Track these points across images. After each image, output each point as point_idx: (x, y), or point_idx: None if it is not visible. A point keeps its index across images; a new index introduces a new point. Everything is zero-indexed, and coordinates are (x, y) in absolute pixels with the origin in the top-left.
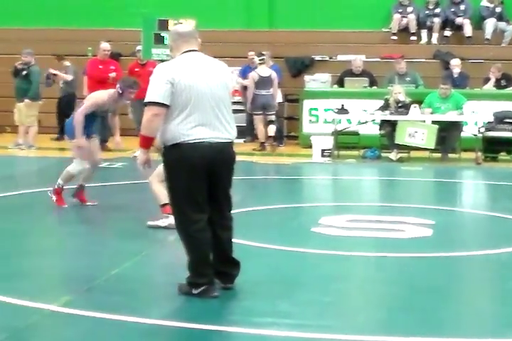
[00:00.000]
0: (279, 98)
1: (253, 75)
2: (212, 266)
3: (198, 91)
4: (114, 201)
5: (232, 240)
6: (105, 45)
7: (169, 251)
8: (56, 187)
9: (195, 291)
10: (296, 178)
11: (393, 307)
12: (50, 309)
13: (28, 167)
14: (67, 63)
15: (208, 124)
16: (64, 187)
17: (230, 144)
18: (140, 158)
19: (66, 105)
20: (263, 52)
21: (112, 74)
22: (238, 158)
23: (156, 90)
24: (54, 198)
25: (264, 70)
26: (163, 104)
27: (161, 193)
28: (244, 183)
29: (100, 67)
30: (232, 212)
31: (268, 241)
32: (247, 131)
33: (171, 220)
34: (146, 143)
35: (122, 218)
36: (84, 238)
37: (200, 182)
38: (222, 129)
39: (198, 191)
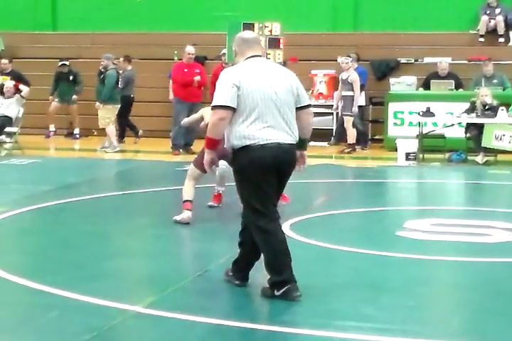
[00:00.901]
0: (361, 101)
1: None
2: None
3: (264, 95)
4: (199, 203)
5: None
6: (190, 49)
7: None
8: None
9: (277, 293)
10: (381, 181)
11: (479, 313)
12: (135, 310)
13: (111, 170)
14: (128, 67)
15: (275, 126)
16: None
17: (294, 146)
18: (206, 158)
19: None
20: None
21: (197, 78)
22: (323, 161)
23: (222, 94)
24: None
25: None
26: (229, 106)
27: (186, 190)
28: (328, 186)
29: (185, 70)
30: (314, 215)
31: (352, 244)
32: (336, 134)
33: (183, 216)
34: (212, 145)
35: (207, 220)
36: (170, 240)
37: (273, 180)
38: (288, 131)
39: (270, 189)
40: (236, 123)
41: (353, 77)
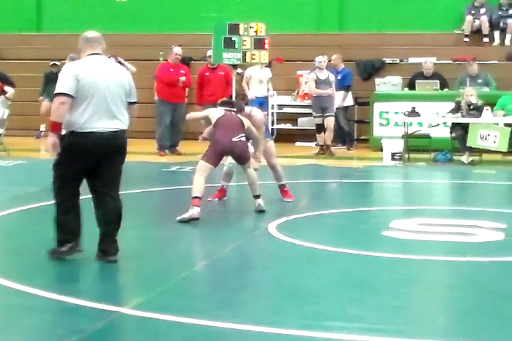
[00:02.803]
0: (347, 101)
1: (312, 77)
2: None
3: (97, 88)
4: (184, 205)
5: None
6: (177, 50)
7: (240, 254)
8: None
9: (63, 249)
10: (367, 182)
11: (465, 312)
12: (121, 311)
13: None
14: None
15: (104, 116)
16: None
17: (120, 132)
18: (49, 140)
19: None
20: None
21: (182, 78)
22: (308, 161)
23: (63, 83)
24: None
25: (323, 73)
26: (68, 94)
27: (196, 186)
28: (314, 187)
29: (171, 70)
30: (301, 215)
31: (339, 244)
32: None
33: (193, 211)
34: (55, 127)
35: (192, 222)
36: (156, 241)
37: (85, 164)
38: (116, 120)
39: (80, 172)
40: (72, 111)
41: (332, 76)
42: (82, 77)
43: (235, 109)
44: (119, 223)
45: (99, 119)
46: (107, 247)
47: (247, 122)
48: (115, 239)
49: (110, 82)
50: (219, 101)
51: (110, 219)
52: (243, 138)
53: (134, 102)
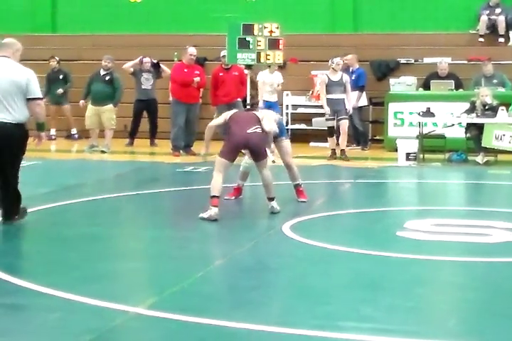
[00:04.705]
0: (362, 101)
1: (323, 79)
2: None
3: None
4: (198, 205)
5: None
6: (192, 50)
7: (253, 254)
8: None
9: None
10: (381, 182)
11: (479, 313)
12: (135, 311)
13: (111, 171)
14: None
15: None
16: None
17: (10, 124)
18: None
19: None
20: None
21: (197, 79)
22: (323, 162)
23: None
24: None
25: (336, 74)
26: None
27: (215, 185)
28: (328, 187)
29: (185, 70)
30: (315, 215)
31: (353, 245)
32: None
33: (211, 213)
34: None
35: (206, 222)
36: (170, 241)
37: None
38: (6, 113)
39: None
40: None
41: (346, 77)
42: None
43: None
44: (14, 195)
45: None
46: (8, 214)
47: (262, 116)
48: (14, 207)
49: (3, 81)
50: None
51: (8, 192)
52: (259, 130)
53: (34, 98)
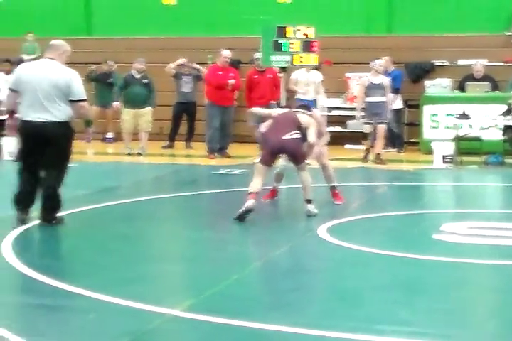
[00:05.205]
0: (397, 104)
1: (363, 82)
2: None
3: (31, 85)
4: (235, 207)
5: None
6: (226, 53)
7: (290, 256)
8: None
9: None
10: (418, 184)
11: None
12: (172, 313)
13: (148, 174)
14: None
15: (37, 108)
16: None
17: (51, 123)
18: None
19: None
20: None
21: (231, 81)
22: (358, 164)
23: (11, 80)
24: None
25: (378, 77)
26: (12, 89)
27: (252, 185)
28: (364, 189)
29: (220, 73)
30: (351, 218)
31: (389, 247)
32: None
33: (248, 203)
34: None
35: (243, 224)
36: (207, 243)
37: (32, 145)
38: (47, 113)
39: (29, 152)
40: (20, 103)
41: (387, 81)
42: (19, 75)
43: (309, 112)
44: (51, 196)
45: (33, 111)
46: (45, 215)
47: (308, 120)
48: (49, 208)
49: (43, 82)
50: (297, 106)
51: (45, 191)
52: (295, 136)
53: (77, 100)
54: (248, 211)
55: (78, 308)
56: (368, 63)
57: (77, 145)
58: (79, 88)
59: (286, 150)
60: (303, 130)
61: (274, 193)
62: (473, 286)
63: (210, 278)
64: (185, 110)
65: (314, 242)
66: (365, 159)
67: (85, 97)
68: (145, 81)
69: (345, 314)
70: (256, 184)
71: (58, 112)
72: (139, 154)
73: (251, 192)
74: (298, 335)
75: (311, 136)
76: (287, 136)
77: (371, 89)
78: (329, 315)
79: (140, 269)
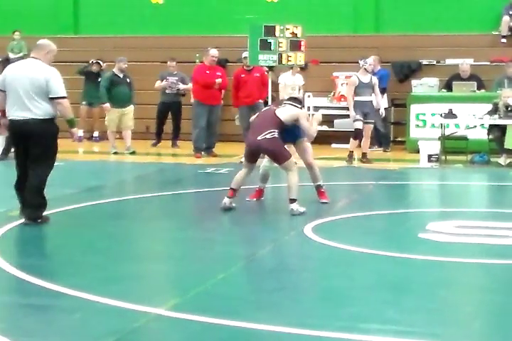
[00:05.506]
0: (383, 103)
1: (353, 81)
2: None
3: (14, 85)
4: (221, 206)
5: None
6: (214, 52)
7: (276, 255)
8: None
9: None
10: (403, 183)
11: (502, 315)
12: (157, 312)
13: (133, 172)
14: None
15: (20, 107)
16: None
17: (32, 121)
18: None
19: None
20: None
21: (218, 80)
22: (344, 163)
23: None
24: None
25: (367, 76)
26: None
27: (234, 179)
28: (350, 188)
29: (207, 72)
30: (337, 217)
31: (375, 246)
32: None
33: (223, 201)
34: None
35: (228, 223)
36: (192, 242)
37: (19, 142)
38: (29, 111)
39: (17, 150)
40: (6, 103)
41: (375, 79)
42: (5, 76)
43: (299, 105)
44: (35, 194)
45: (15, 110)
46: (30, 214)
47: (296, 111)
48: (33, 206)
49: (23, 80)
50: (286, 98)
51: (28, 189)
52: (269, 136)
53: (56, 97)
54: (225, 209)
55: (64, 308)
56: (356, 62)
57: (64, 143)
58: (57, 85)
59: (262, 150)
60: (283, 125)
61: (260, 193)
62: (459, 285)
63: (196, 277)
64: (170, 109)
65: (300, 241)
66: (349, 161)
67: (64, 95)
68: (128, 80)
69: (331, 313)
70: (238, 176)
71: (38, 110)
72: (132, 153)
73: (230, 188)
74: (283, 334)
75: (305, 126)
76: (261, 137)
77: (361, 88)
78: (315, 314)
79: (126, 268)
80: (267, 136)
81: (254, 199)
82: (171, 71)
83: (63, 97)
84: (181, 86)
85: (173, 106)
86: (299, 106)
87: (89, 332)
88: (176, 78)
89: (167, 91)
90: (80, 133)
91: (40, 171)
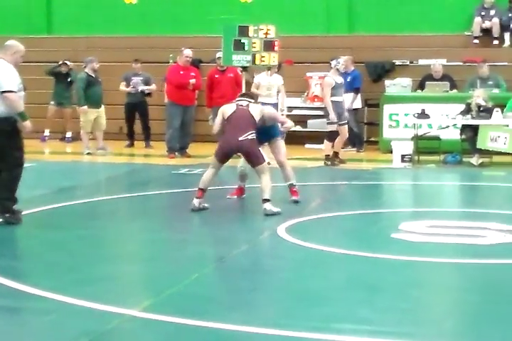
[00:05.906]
0: (356, 103)
1: (329, 82)
2: None
3: None
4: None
5: None
6: (188, 52)
7: (249, 256)
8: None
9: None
10: (376, 184)
11: (473, 315)
12: (131, 314)
13: (106, 173)
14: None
15: None
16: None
17: None
18: None
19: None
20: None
21: (192, 81)
22: (318, 163)
23: None
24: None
25: (338, 76)
26: None
27: (203, 179)
28: (323, 189)
29: (181, 72)
30: (310, 217)
31: (348, 247)
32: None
33: (193, 202)
34: None
35: (201, 223)
36: (165, 244)
37: None
38: None
39: None
40: None
41: (341, 79)
42: None
43: (253, 100)
44: (3, 188)
45: None
46: None
47: (260, 114)
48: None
49: None
50: (239, 94)
51: None
52: (251, 136)
53: (3, 91)
54: (194, 210)
55: (36, 310)
56: (329, 63)
57: (33, 144)
58: (4, 79)
59: (243, 150)
60: (257, 124)
61: (241, 191)
62: (431, 285)
63: (169, 278)
64: (136, 109)
65: (273, 241)
66: (332, 162)
67: (9, 89)
68: (100, 80)
69: (305, 313)
70: (206, 177)
71: None
72: (113, 154)
73: (199, 188)
74: (256, 335)
75: (281, 119)
76: (242, 138)
77: (336, 88)
78: (288, 315)
79: (98, 270)
80: (249, 137)
81: (235, 196)
82: (136, 71)
83: (10, 91)
84: (142, 87)
85: (139, 106)
86: (252, 100)
87: (62, 334)
88: (141, 78)
89: (132, 91)
90: (46, 132)
91: (8, 167)
